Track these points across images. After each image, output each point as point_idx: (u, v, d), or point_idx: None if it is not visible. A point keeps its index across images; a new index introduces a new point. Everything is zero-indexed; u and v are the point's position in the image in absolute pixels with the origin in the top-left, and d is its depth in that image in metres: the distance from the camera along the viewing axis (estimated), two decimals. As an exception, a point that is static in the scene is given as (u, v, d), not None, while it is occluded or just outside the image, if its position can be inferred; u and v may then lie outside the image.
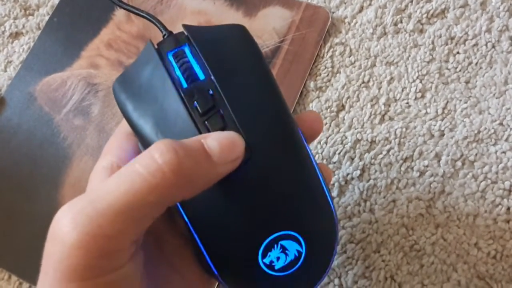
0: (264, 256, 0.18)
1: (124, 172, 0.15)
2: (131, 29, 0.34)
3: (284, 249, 0.18)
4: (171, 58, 0.19)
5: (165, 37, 0.21)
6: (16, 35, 0.36)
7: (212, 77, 0.18)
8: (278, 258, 0.18)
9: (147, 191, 0.14)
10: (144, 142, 0.19)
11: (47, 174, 0.31)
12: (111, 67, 0.33)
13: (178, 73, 0.19)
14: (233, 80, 0.19)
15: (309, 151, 0.20)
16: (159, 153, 0.14)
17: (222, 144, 0.16)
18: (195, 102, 0.18)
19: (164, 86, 0.18)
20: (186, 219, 0.18)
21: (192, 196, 0.15)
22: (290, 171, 0.19)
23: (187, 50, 0.19)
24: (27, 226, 0.30)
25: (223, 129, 0.17)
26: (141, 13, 0.22)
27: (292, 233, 0.18)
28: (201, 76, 0.19)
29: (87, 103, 0.32)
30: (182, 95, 0.18)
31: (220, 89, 0.18)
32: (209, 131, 0.17)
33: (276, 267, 0.18)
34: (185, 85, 0.18)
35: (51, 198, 0.30)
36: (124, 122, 0.20)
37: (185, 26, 0.20)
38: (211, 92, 0.18)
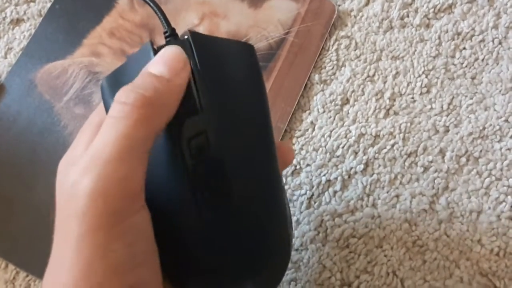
0: None
1: (105, 125, 0.16)
2: (134, 18, 0.34)
3: None
4: None
5: (167, 39, 0.20)
6: (17, 22, 0.35)
7: (211, 114, 0.18)
8: None
9: (133, 128, 0.15)
10: None
11: (47, 163, 0.30)
12: (113, 55, 0.33)
13: None
14: (225, 109, 0.18)
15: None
16: (124, 97, 0.16)
17: (166, 62, 0.17)
18: (191, 141, 0.18)
19: None
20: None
21: (173, 113, 0.17)
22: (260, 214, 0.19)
23: None
24: (26, 215, 0.29)
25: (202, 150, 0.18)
26: (148, 2, 0.22)
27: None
28: (197, 102, 0.18)
29: (88, 92, 0.32)
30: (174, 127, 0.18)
31: (215, 132, 0.18)
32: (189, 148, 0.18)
33: None
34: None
35: (51, 186, 0.30)
36: (95, 114, 0.20)
37: (192, 33, 0.20)
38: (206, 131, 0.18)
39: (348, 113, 0.30)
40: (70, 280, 0.14)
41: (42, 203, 0.29)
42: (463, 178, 0.28)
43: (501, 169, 0.28)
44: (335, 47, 0.32)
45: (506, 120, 0.29)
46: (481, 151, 0.28)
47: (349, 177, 0.29)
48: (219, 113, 0.18)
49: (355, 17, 0.32)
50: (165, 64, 0.17)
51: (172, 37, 0.20)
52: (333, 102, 0.30)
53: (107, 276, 0.14)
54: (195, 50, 0.19)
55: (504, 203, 0.27)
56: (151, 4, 0.21)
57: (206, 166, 0.18)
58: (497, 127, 0.29)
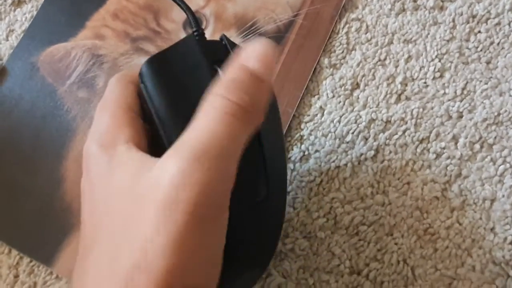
0: None
1: (216, 119, 0.16)
2: (138, 0, 0.33)
3: None
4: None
5: (194, 33, 0.20)
6: (18, 3, 0.35)
7: None
8: None
9: (239, 125, 0.16)
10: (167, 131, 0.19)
11: (50, 147, 0.30)
12: (117, 38, 0.32)
13: None
14: None
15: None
16: (235, 97, 0.16)
17: (261, 60, 0.17)
18: None
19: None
20: None
21: (262, 120, 0.18)
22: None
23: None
24: (28, 200, 0.29)
25: None
26: (177, 1, 0.21)
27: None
28: None
29: (91, 75, 0.31)
30: None
31: None
32: None
33: None
34: None
35: (54, 171, 0.29)
36: (118, 96, 0.19)
37: (225, 36, 0.21)
38: None
39: (358, 98, 0.29)
40: (164, 271, 0.14)
41: (45, 188, 0.29)
42: (476, 165, 0.27)
43: (516, 156, 0.27)
44: (345, 30, 0.31)
45: (522, 106, 0.28)
46: (495, 137, 0.27)
47: (359, 163, 0.28)
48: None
49: (366, -1, 0.31)
50: (261, 61, 0.17)
51: (200, 37, 0.20)
52: (343, 87, 0.29)
53: (202, 268, 0.15)
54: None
55: (518, 191, 0.26)
56: (180, 4, 0.21)
57: None
58: (512, 113, 0.28)
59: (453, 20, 0.30)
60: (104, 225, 0.16)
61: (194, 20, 0.20)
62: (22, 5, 0.34)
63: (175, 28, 0.31)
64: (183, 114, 0.18)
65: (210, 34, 0.31)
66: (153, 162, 0.16)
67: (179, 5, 0.21)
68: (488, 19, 0.30)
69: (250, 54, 0.17)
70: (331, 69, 0.30)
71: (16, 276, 0.28)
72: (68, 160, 0.29)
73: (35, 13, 0.34)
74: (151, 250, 0.14)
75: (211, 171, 0.14)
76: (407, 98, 0.29)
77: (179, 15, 0.32)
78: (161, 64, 0.20)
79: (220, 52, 0.21)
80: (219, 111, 0.16)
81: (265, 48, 0.17)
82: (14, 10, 0.34)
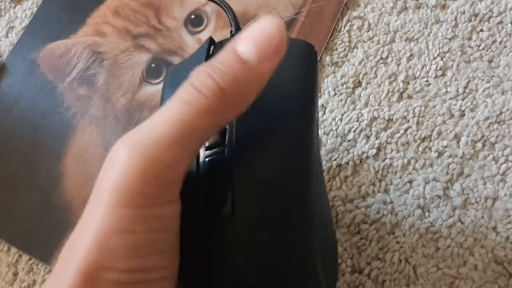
0: None
1: (171, 103, 0.14)
2: (139, -3, 0.33)
3: None
4: None
5: (231, 34, 0.19)
6: (18, 0, 0.34)
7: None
8: None
9: (197, 117, 0.14)
10: None
11: (50, 144, 0.30)
12: (117, 35, 0.32)
13: None
14: (256, 115, 0.16)
15: None
16: (198, 83, 0.14)
17: (256, 43, 0.14)
18: None
19: None
20: None
21: (246, 107, 0.15)
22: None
23: None
24: (28, 197, 0.29)
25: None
26: (217, 2, 0.20)
27: None
28: None
29: (92, 72, 0.31)
30: None
31: (234, 128, 0.16)
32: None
33: None
34: None
35: (53, 169, 0.29)
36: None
37: None
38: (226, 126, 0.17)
39: (360, 96, 0.29)
40: (86, 249, 0.13)
41: (45, 186, 0.29)
42: (478, 164, 0.27)
43: (518, 155, 0.27)
44: (347, 28, 0.31)
45: (524, 105, 0.28)
46: (497, 136, 0.27)
47: (360, 161, 0.28)
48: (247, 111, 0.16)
49: (368, -3, 0.31)
50: (256, 44, 0.14)
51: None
52: (344, 85, 0.29)
53: (121, 253, 0.14)
54: None
55: (520, 190, 0.26)
56: (221, 4, 0.20)
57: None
58: (515, 112, 0.28)
59: (455, 19, 0.30)
60: None
61: (234, 20, 0.20)
62: (22, 2, 0.34)
63: (176, 25, 0.31)
64: None
65: (212, 31, 0.31)
66: None
67: (218, 3, 0.20)
68: (490, 17, 0.30)
69: (249, 34, 0.15)
70: (333, 67, 0.30)
71: (15, 274, 0.28)
72: (67, 157, 0.29)
73: (35, 9, 0.33)
74: (79, 230, 0.14)
75: (146, 155, 0.13)
76: (409, 97, 0.29)
77: (180, 12, 0.32)
78: (176, 72, 0.20)
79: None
80: (180, 103, 0.14)
81: (265, 26, 0.14)
82: (14, 7, 0.34)
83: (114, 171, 0.14)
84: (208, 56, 0.19)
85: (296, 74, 0.17)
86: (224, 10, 0.20)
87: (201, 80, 0.14)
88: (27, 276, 0.28)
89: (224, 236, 0.16)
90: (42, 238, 0.28)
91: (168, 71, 0.20)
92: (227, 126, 0.17)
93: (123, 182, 0.13)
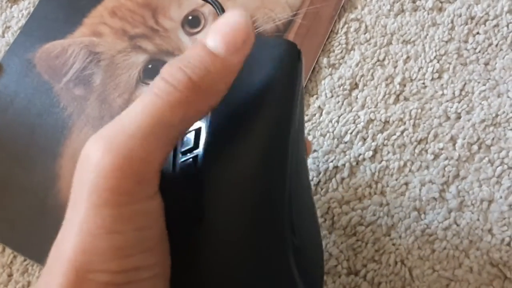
0: None
1: (143, 98, 0.14)
2: (136, -3, 0.33)
3: None
4: None
5: None
6: (15, 0, 0.34)
7: (210, 114, 0.17)
8: None
9: (170, 110, 0.14)
10: None
11: (45, 144, 0.30)
12: (114, 35, 0.32)
13: None
14: (232, 118, 0.16)
15: None
16: (169, 76, 0.14)
17: (223, 36, 0.15)
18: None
19: None
20: None
21: (220, 99, 0.15)
22: None
23: None
24: (23, 197, 0.29)
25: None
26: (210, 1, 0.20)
27: None
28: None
29: (88, 72, 0.31)
30: None
31: (209, 133, 0.16)
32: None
33: None
34: None
35: (49, 169, 0.29)
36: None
37: None
38: (200, 129, 0.17)
39: (357, 98, 0.29)
40: (71, 253, 0.13)
41: (40, 186, 0.29)
42: (474, 166, 0.27)
43: (514, 158, 0.27)
44: (344, 30, 0.31)
45: (520, 108, 0.28)
46: (493, 138, 0.27)
47: (357, 163, 0.28)
48: (219, 112, 0.16)
49: (365, -1, 0.31)
50: (223, 37, 0.15)
51: None
52: (341, 87, 0.29)
53: (109, 254, 0.13)
54: None
55: (516, 192, 0.26)
56: (213, 4, 0.20)
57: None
58: (510, 115, 0.28)
59: (452, 22, 0.30)
60: None
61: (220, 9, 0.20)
62: (19, 2, 0.34)
63: (173, 26, 0.31)
64: None
65: (209, 32, 0.31)
66: None
67: (210, 3, 0.20)
68: (486, 20, 0.30)
69: (216, 27, 0.15)
70: (330, 69, 0.30)
71: (10, 275, 0.28)
72: (63, 157, 0.29)
73: (31, 9, 0.33)
74: (64, 231, 0.14)
75: (118, 151, 0.13)
76: (406, 99, 0.29)
77: (178, 13, 0.32)
78: None
79: None
80: (153, 96, 0.14)
81: (232, 20, 0.15)
82: (11, 7, 0.34)
83: (89, 170, 0.14)
84: None
85: (275, 72, 0.17)
86: (216, 10, 0.20)
87: (172, 74, 0.14)
88: (22, 277, 0.28)
89: (196, 238, 0.16)
90: (37, 238, 0.28)
91: None
92: (202, 129, 0.17)
93: (100, 181, 0.13)
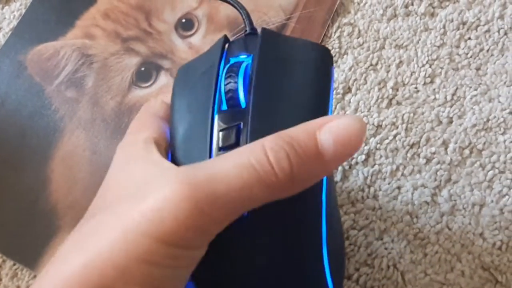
0: None
1: (240, 160, 0.14)
2: (129, 0, 0.32)
3: None
4: (225, 70, 0.18)
5: (245, 34, 0.20)
6: (6, 1, 0.34)
7: (250, 112, 0.17)
8: None
9: (260, 189, 0.14)
10: (173, 141, 0.18)
11: (37, 147, 0.29)
12: (107, 38, 0.31)
13: (223, 91, 0.17)
14: (270, 121, 0.17)
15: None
16: (274, 157, 0.14)
17: (337, 140, 0.14)
18: (220, 132, 0.17)
19: (205, 96, 0.18)
20: None
21: (298, 192, 0.15)
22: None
23: (245, 65, 0.18)
24: (13, 200, 0.28)
25: None
26: (230, 1, 0.21)
27: None
28: (243, 104, 0.17)
29: (80, 75, 0.31)
30: (215, 117, 0.17)
31: (249, 130, 0.17)
32: None
33: None
34: (224, 106, 0.17)
35: (40, 172, 0.29)
36: (150, 103, 0.20)
37: (264, 31, 0.19)
38: (241, 126, 0.17)
39: (350, 102, 0.29)
40: (98, 262, 0.14)
41: (31, 189, 0.28)
42: (466, 171, 0.27)
43: (505, 162, 0.27)
44: (337, 34, 0.31)
45: (511, 112, 0.28)
46: (484, 143, 0.28)
47: (349, 167, 0.28)
48: (260, 112, 0.17)
49: (358, 4, 0.31)
50: (335, 140, 0.14)
51: (250, 34, 0.20)
52: (334, 91, 0.29)
53: (138, 279, 0.14)
54: (260, 47, 0.18)
55: (507, 197, 0.27)
56: (234, 4, 0.21)
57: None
58: (501, 119, 0.28)
59: (444, 27, 0.30)
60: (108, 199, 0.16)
61: (248, 19, 0.20)
62: (10, 3, 0.34)
63: (166, 29, 0.31)
64: (187, 120, 0.18)
65: (202, 35, 0.31)
66: (163, 165, 0.16)
67: (230, 3, 0.21)
68: (478, 26, 0.30)
69: (333, 127, 0.14)
70: (323, 73, 0.30)
71: (-1, 280, 0.27)
72: (54, 160, 0.29)
73: (23, 11, 0.33)
74: (92, 232, 0.15)
75: (195, 208, 0.14)
76: (398, 103, 0.29)
77: (171, 16, 0.32)
78: (187, 70, 0.20)
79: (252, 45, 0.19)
80: (250, 167, 0.14)
81: (353, 127, 0.14)
82: (2, 8, 0.34)
83: (160, 201, 0.14)
84: (223, 55, 0.19)
85: (310, 76, 0.18)
86: (237, 10, 0.20)
87: (278, 157, 0.14)
88: (11, 282, 0.27)
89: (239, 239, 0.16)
90: (27, 242, 0.27)
91: (178, 69, 0.20)
92: (241, 127, 0.17)
93: (169, 219, 0.14)
